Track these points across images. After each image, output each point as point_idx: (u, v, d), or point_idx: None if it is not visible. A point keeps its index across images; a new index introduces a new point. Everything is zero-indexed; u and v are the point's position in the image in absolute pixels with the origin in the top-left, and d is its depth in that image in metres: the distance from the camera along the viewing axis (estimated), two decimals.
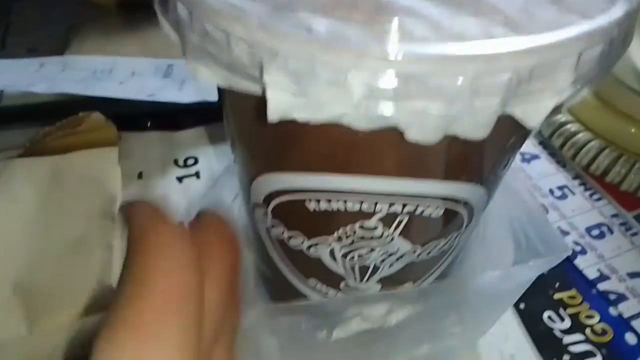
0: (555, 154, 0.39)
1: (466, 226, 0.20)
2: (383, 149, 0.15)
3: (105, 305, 0.24)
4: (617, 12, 0.14)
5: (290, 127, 0.15)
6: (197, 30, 0.14)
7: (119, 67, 0.40)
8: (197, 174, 0.37)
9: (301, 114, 0.13)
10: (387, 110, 0.13)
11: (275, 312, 0.20)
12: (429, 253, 0.20)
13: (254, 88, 0.14)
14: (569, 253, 0.33)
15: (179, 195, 0.36)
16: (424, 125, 0.13)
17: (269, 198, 0.19)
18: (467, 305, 0.22)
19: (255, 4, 0.13)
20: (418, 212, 0.18)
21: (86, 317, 0.23)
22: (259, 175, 0.19)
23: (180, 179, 0.37)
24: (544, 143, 0.40)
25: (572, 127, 0.38)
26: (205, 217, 0.17)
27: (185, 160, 0.38)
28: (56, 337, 0.22)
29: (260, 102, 0.14)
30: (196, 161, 0.38)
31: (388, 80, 0.12)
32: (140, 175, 0.37)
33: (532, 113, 0.14)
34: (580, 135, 0.37)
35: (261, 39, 0.12)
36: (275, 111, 0.13)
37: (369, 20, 0.13)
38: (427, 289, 0.21)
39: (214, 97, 0.38)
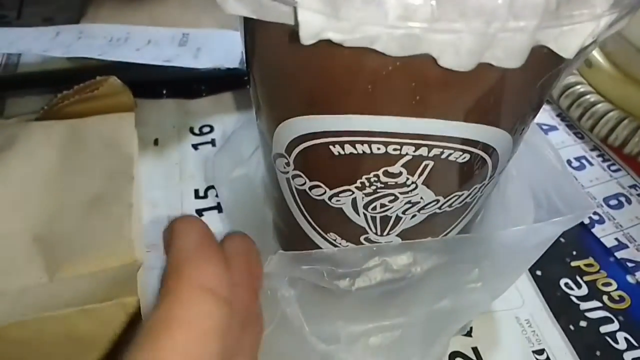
0: (573, 125, 0.39)
1: (490, 177, 0.20)
2: (413, 83, 0.15)
3: (123, 256, 0.24)
4: None
5: (319, 60, 0.15)
6: None
7: (135, 36, 0.40)
8: (212, 142, 0.37)
9: (335, 35, 0.12)
10: (422, 31, 0.12)
11: (296, 260, 0.20)
12: (451, 205, 0.20)
13: (285, 14, 0.13)
14: (594, 209, 0.33)
15: (194, 162, 0.36)
16: (458, 50, 0.13)
17: (292, 145, 0.19)
18: (490, 261, 0.22)
19: None
20: (444, 156, 0.17)
21: (106, 267, 0.23)
22: (283, 120, 0.18)
23: (195, 147, 0.37)
24: (562, 114, 0.39)
25: (591, 97, 0.37)
26: (232, 239, 0.19)
27: (201, 128, 0.38)
28: (76, 285, 0.22)
29: (290, 33, 0.14)
30: (211, 129, 0.38)
31: (424, 1, 0.12)
32: (156, 142, 0.37)
33: (568, 41, 0.14)
34: (599, 106, 0.37)
35: None
36: (308, 33, 0.13)
37: None
38: (451, 240, 0.21)
39: (229, 63, 0.38)
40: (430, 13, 0.12)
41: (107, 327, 0.20)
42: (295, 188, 0.21)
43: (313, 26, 0.13)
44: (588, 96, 0.37)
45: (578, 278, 0.30)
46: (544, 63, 0.15)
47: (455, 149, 0.17)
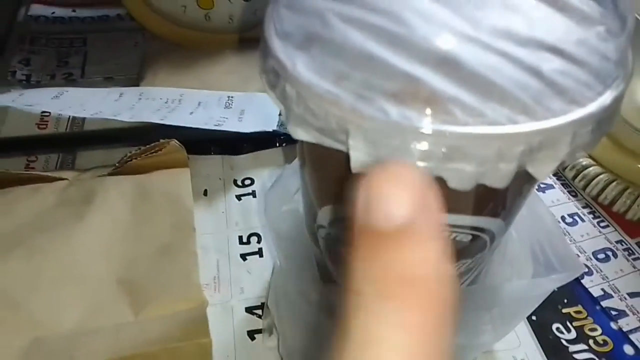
0: (568, 184, 0.44)
1: (488, 248, 0.26)
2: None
3: (194, 299, 0.30)
4: (605, 99, 0.19)
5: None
6: (300, 105, 0.20)
7: (187, 98, 0.46)
8: (253, 193, 0.43)
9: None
10: (436, 167, 0.18)
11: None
12: (458, 269, 0.26)
13: (339, 147, 0.19)
14: (583, 270, 0.38)
15: (238, 211, 0.42)
16: (461, 178, 0.19)
17: (333, 222, 0.25)
18: (498, 307, 0.27)
19: (343, 91, 0.19)
20: (452, 237, 0.23)
21: (180, 309, 0.28)
22: (326, 205, 0.24)
23: (239, 197, 0.43)
24: (558, 174, 0.45)
25: (584, 161, 0.43)
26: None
27: (243, 181, 0.44)
28: (157, 325, 0.27)
29: (339, 154, 0.20)
30: (252, 182, 0.44)
31: (438, 149, 0.18)
32: (205, 193, 0.43)
33: (540, 171, 0.19)
34: (590, 169, 0.42)
35: (351, 117, 0.18)
36: (356, 165, 0.18)
37: (425, 106, 0.18)
38: (466, 291, 0.26)
39: (269, 127, 0.44)
40: (442, 156, 0.18)
41: None
42: (332, 250, 0.27)
43: (359, 162, 0.18)
44: (581, 160, 0.43)
45: (568, 323, 0.35)
46: (524, 179, 0.21)
47: (459, 233, 0.23)
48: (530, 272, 0.30)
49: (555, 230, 0.30)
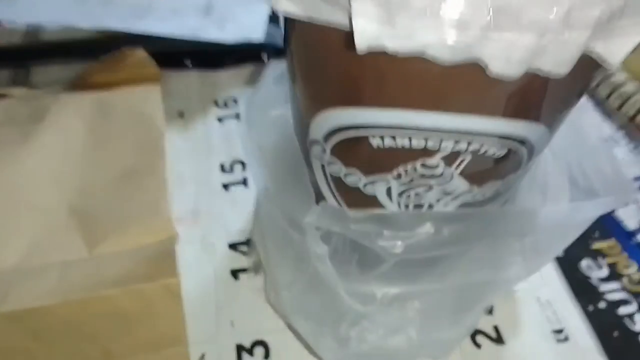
0: (600, 104, 0.38)
1: (524, 167, 0.20)
2: (460, 85, 0.15)
3: (161, 232, 0.25)
4: None
5: (366, 61, 0.15)
6: None
7: (159, 4, 0.39)
8: (237, 116, 0.37)
9: (390, 43, 0.13)
10: (476, 41, 0.13)
11: (341, 216, 0.20)
12: (484, 194, 0.21)
13: (339, 18, 0.13)
14: (636, 192, 0.33)
15: (219, 136, 0.36)
16: (509, 58, 0.13)
17: (330, 135, 0.19)
18: (531, 236, 0.22)
19: None
20: (482, 150, 0.18)
21: (144, 244, 0.24)
22: (322, 110, 0.19)
23: (220, 120, 0.37)
24: (590, 93, 0.39)
25: (620, 77, 0.37)
26: None
27: (225, 101, 0.38)
28: (116, 262, 0.23)
29: (339, 34, 0.14)
30: (236, 102, 0.38)
31: (481, 11, 0.12)
32: (181, 115, 0.37)
33: (616, 50, 0.14)
34: (628, 86, 0.36)
35: None
36: (363, 41, 0.13)
37: None
38: (499, 212, 0.21)
39: (255, 37, 0.38)
40: (486, 23, 0.12)
41: (151, 306, 0.21)
42: (330, 174, 0.21)
43: (368, 34, 0.13)
44: (617, 75, 0.37)
45: (599, 259, 0.31)
46: (588, 69, 0.15)
47: (493, 144, 0.18)
48: (566, 197, 0.25)
49: (599, 146, 0.24)
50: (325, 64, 0.17)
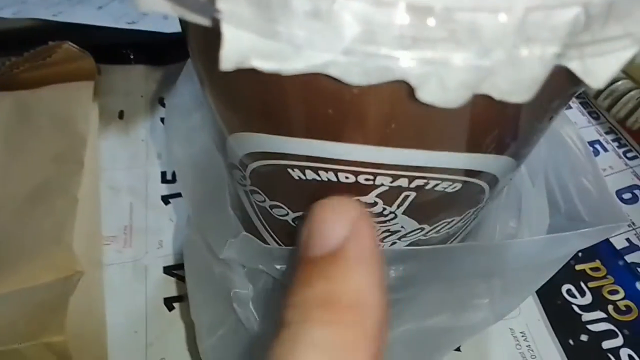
0: (588, 104, 0.35)
1: (486, 200, 0.17)
2: (383, 110, 0.11)
3: (61, 267, 0.21)
4: None
5: (261, 77, 0.11)
6: None
7: None
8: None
9: (266, 62, 0.09)
10: (392, 58, 0.09)
11: (266, 253, 0.17)
12: (439, 231, 0.17)
13: (204, 20, 0.10)
14: (627, 222, 0.29)
15: (163, 139, 0.32)
16: (444, 81, 0.09)
17: (246, 160, 0.15)
18: (500, 274, 0.19)
19: None
20: (429, 187, 0.14)
21: (39, 282, 0.20)
22: (231, 132, 0.15)
23: (164, 120, 0.33)
24: None
25: None
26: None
27: None
28: (3, 305, 0.19)
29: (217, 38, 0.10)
30: None
31: (396, 15, 0.08)
32: (121, 115, 0.33)
33: (598, 69, 0.10)
34: (619, 83, 0.33)
35: None
36: (230, 56, 0.09)
37: None
38: (459, 248, 0.18)
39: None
40: (401, 33, 0.08)
41: None
42: (256, 204, 0.18)
43: (239, 48, 0.09)
44: None
45: (582, 284, 0.27)
46: (561, 87, 0.11)
47: (443, 179, 0.14)
48: (544, 224, 0.21)
49: (585, 162, 0.21)
50: (216, 78, 0.13)
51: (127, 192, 0.30)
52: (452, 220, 0.16)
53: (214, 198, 0.19)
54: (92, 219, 0.25)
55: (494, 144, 0.13)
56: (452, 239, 0.18)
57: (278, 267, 0.18)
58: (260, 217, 0.18)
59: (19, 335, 0.17)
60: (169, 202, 0.29)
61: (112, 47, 0.35)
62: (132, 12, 0.33)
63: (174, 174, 0.31)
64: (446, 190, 0.14)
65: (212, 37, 0.11)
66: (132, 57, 0.35)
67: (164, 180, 0.30)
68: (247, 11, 0.09)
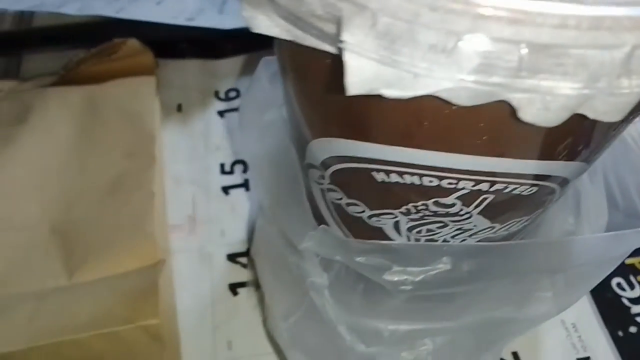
0: None
1: (555, 201, 0.17)
2: (477, 124, 0.12)
3: (145, 256, 0.23)
4: None
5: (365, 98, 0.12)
6: None
7: None
8: (239, 109, 0.35)
9: (391, 90, 0.10)
10: (504, 86, 0.10)
11: (342, 246, 0.18)
12: (508, 229, 0.18)
13: (327, 47, 0.11)
14: None
15: (220, 131, 0.34)
16: (547, 106, 0.10)
17: (328, 162, 0.17)
18: (563, 269, 0.20)
19: None
20: (507, 190, 0.15)
21: (126, 270, 0.21)
22: (317, 137, 0.16)
23: (221, 114, 0.34)
24: None
25: None
26: None
27: (227, 92, 0.35)
28: (95, 292, 0.21)
29: (333, 61, 0.11)
30: (238, 94, 0.35)
31: (516, 51, 0.09)
32: (179, 108, 0.35)
33: None
34: None
35: None
36: (356, 83, 0.10)
37: None
38: (522, 245, 0.19)
39: None
40: (517, 65, 0.09)
41: (129, 350, 0.19)
42: (331, 201, 0.19)
43: (363, 76, 0.10)
44: None
45: (631, 278, 0.28)
46: None
47: (521, 184, 0.15)
48: (603, 220, 0.22)
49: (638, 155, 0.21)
50: (318, 92, 0.14)
51: (189, 183, 0.31)
52: (521, 219, 0.17)
53: (290, 191, 0.20)
54: (161, 209, 0.27)
55: (571, 154, 0.14)
56: (515, 236, 0.19)
57: (357, 259, 0.19)
58: (334, 212, 0.19)
59: (116, 319, 0.19)
60: (228, 193, 0.31)
61: (167, 42, 0.36)
62: (189, 8, 0.34)
63: (232, 166, 0.32)
64: (522, 193, 0.15)
65: (321, 57, 0.12)
66: (187, 51, 0.36)
67: (222, 171, 0.32)
68: (372, 43, 0.10)
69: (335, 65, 0.11)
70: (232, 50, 0.37)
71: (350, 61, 0.10)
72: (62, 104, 0.29)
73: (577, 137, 0.13)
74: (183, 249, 0.29)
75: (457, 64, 0.09)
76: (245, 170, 0.32)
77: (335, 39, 0.10)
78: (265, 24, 0.12)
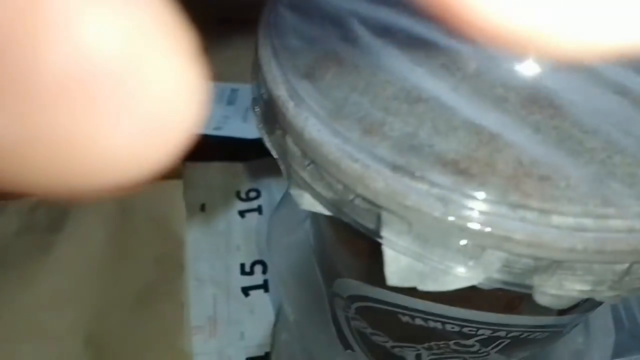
0: None
1: (566, 334, 0.19)
2: (497, 294, 0.14)
3: None
4: None
5: None
6: (308, 168, 0.13)
7: None
8: (259, 209, 0.36)
9: (426, 285, 0.11)
10: (523, 282, 0.11)
11: None
12: (519, 357, 0.19)
13: (367, 233, 0.12)
14: None
15: (241, 231, 0.35)
16: (560, 297, 0.12)
17: (355, 298, 0.18)
18: None
19: (373, 154, 0.12)
20: (522, 336, 0.16)
21: None
22: (349, 277, 0.18)
23: (242, 214, 0.36)
24: None
25: None
26: None
27: (248, 192, 0.37)
28: None
29: (366, 238, 0.13)
30: (258, 194, 0.37)
31: (532, 262, 0.11)
32: (202, 208, 0.36)
33: None
34: None
35: (385, 199, 0.11)
36: (394, 273, 0.12)
37: (509, 183, 0.11)
38: None
39: None
40: (533, 268, 0.11)
41: None
42: (356, 328, 0.20)
43: (400, 265, 0.12)
44: None
45: None
46: None
47: (535, 331, 0.16)
48: (610, 340, 0.23)
49: None
50: (349, 248, 0.16)
51: (211, 283, 0.32)
52: (535, 351, 0.19)
53: (317, 312, 0.21)
54: (186, 313, 0.28)
55: (581, 310, 0.15)
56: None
57: None
58: (357, 337, 0.21)
59: None
60: (248, 294, 0.32)
61: (195, 147, 0.38)
62: (216, 118, 0.37)
63: (252, 266, 0.33)
64: (537, 337, 0.17)
65: (355, 232, 0.14)
66: (211, 154, 0.39)
67: (242, 271, 0.33)
68: (409, 243, 0.11)
69: (370, 241, 0.13)
70: (254, 152, 0.39)
71: (389, 254, 0.12)
72: (94, 208, 0.31)
73: (585, 303, 0.15)
74: (204, 351, 0.29)
75: (483, 266, 0.11)
76: (264, 271, 0.33)
77: (375, 232, 0.12)
78: (310, 203, 0.13)
